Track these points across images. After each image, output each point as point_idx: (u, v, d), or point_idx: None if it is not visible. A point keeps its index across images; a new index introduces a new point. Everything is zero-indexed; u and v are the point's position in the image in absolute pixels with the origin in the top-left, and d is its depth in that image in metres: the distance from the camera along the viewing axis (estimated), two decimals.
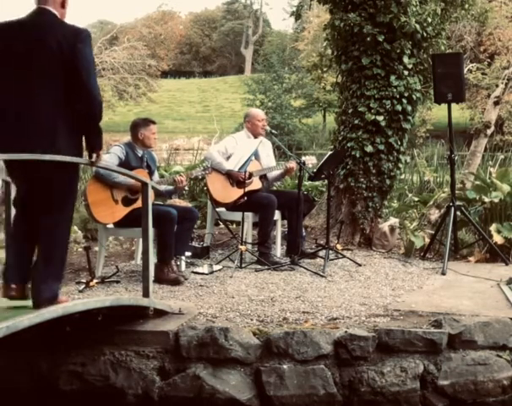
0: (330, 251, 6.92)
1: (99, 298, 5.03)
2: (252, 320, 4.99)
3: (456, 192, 7.33)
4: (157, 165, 6.90)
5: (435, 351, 4.67)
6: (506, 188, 7.36)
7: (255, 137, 7.33)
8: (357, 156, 7.57)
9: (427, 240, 7.33)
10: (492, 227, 7.05)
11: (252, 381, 4.54)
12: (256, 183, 7.14)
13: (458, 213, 7.14)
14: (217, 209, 7.34)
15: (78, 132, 4.11)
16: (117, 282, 6.04)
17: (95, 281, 5.82)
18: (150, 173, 6.38)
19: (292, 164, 7.33)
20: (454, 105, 7.33)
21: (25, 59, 3.98)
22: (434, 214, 7.95)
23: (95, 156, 4.18)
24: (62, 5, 4.17)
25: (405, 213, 8.72)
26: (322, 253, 6.99)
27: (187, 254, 6.67)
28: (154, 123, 6.46)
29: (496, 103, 9.32)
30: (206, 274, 6.42)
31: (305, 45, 36.98)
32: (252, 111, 7.73)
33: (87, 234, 8.14)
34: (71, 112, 4.02)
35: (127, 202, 6.19)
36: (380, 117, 7.46)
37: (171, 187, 6.50)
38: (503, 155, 13.59)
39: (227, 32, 63.70)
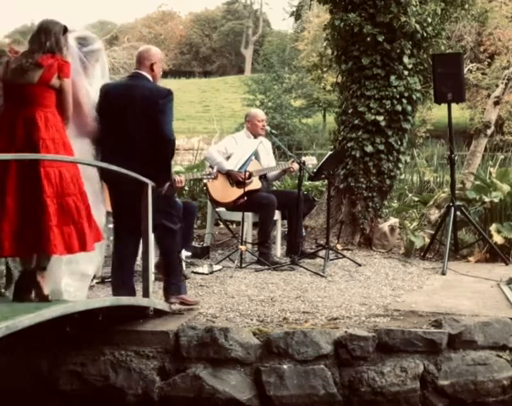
0: (330, 251, 6.92)
1: (99, 298, 5.03)
2: (252, 320, 5.00)
3: (456, 192, 7.33)
4: None
5: (435, 351, 4.67)
6: (506, 188, 7.36)
7: (255, 137, 7.34)
8: (357, 156, 7.57)
9: (427, 240, 7.33)
10: (492, 227, 7.05)
11: (252, 381, 4.54)
12: (256, 183, 7.14)
13: (458, 213, 7.14)
14: (217, 209, 7.34)
15: (152, 163, 4.97)
16: None
17: (95, 281, 5.81)
18: None
19: (292, 164, 7.33)
20: (454, 105, 7.33)
21: (122, 110, 5.03)
22: (434, 214, 7.95)
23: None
24: (151, 68, 5.14)
25: (405, 213, 8.72)
26: (322, 253, 6.99)
27: (187, 254, 6.67)
28: None
29: (496, 103, 9.30)
30: (206, 274, 6.42)
31: (305, 45, 36.91)
32: (252, 111, 7.77)
33: None
34: (150, 150, 4.98)
35: None
36: (380, 118, 7.47)
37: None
38: (503, 155, 13.57)
39: (227, 32, 63.59)
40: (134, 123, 5.02)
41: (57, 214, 4.36)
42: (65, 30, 4.66)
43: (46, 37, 4.56)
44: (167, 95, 5.06)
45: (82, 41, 4.93)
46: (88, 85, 4.93)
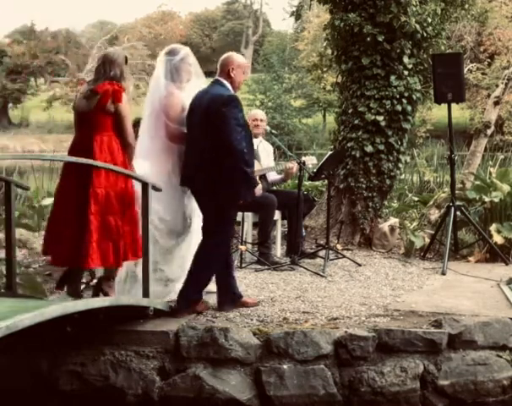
0: (330, 251, 6.92)
1: (99, 298, 5.03)
2: (252, 320, 5.00)
3: (456, 192, 7.33)
4: None
5: (435, 351, 4.67)
6: (506, 188, 7.36)
7: (255, 137, 7.33)
8: (357, 156, 7.57)
9: (427, 240, 7.33)
10: (492, 227, 7.04)
11: (252, 381, 4.54)
12: None
13: (458, 213, 7.14)
14: None
15: (217, 172, 5.04)
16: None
17: (95, 281, 5.80)
18: None
19: (292, 164, 7.32)
20: (454, 105, 7.33)
21: (193, 117, 5.16)
22: (434, 214, 7.94)
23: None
24: (228, 75, 5.20)
25: (405, 213, 8.71)
26: (322, 253, 6.99)
27: None
28: None
29: (496, 103, 9.29)
30: None
31: (305, 45, 36.93)
32: (252, 111, 7.85)
33: None
34: (215, 159, 5.02)
35: None
36: (380, 118, 7.47)
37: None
38: (503, 155, 13.58)
39: (227, 32, 63.59)
40: (199, 129, 5.09)
41: (99, 230, 4.81)
42: (126, 59, 5.17)
43: (111, 67, 5.02)
44: (229, 102, 5.03)
45: (171, 54, 5.35)
46: (181, 92, 5.30)
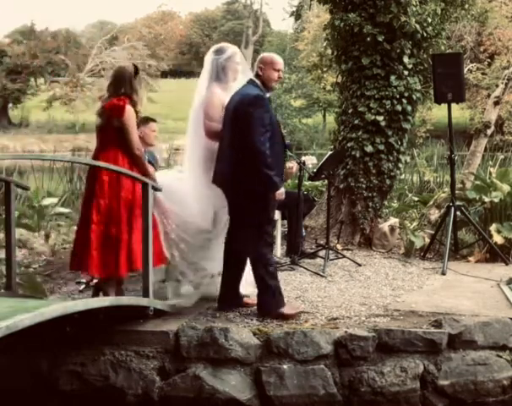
0: (330, 251, 6.92)
1: (99, 298, 5.03)
2: (252, 320, 5.00)
3: (456, 192, 7.33)
4: (159, 164, 6.91)
5: (435, 351, 4.67)
6: (506, 188, 7.36)
7: None
8: (357, 156, 7.56)
9: (427, 240, 7.33)
10: (492, 227, 7.04)
11: (252, 381, 4.55)
12: None
13: (458, 213, 7.14)
14: None
15: (243, 172, 5.08)
16: None
17: (95, 281, 5.80)
18: None
19: (292, 164, 7.32)
20: (454, 105, 7.33)
21: (227, 117, 5.22)
22: (434, 214, 7.94)
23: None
24: (257, 74, 5.23)
25: (405, 213, 8.71)
26: (322, 253, 6.99)
27: None
28: (154, 120, 6.52)
29: (496, 103, 9.29)
30: None
31: (305, 45, 36.96)
32: None
33: None
34: (240, 158, 5.07)
35: None
36: (380, 118, 7.46)
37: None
38: (503, 155, 13.59)
39: (227, 32, 63.56)
40: (229, 129, 5.17)
41: (100, 240, 4.93)
42: (136, 71, 5.22)
43: (121, 83, 5.12)
44: (256, 101, 5.08)
45: (218, 53, 5.42)
46: (226, 91, 5.36)
